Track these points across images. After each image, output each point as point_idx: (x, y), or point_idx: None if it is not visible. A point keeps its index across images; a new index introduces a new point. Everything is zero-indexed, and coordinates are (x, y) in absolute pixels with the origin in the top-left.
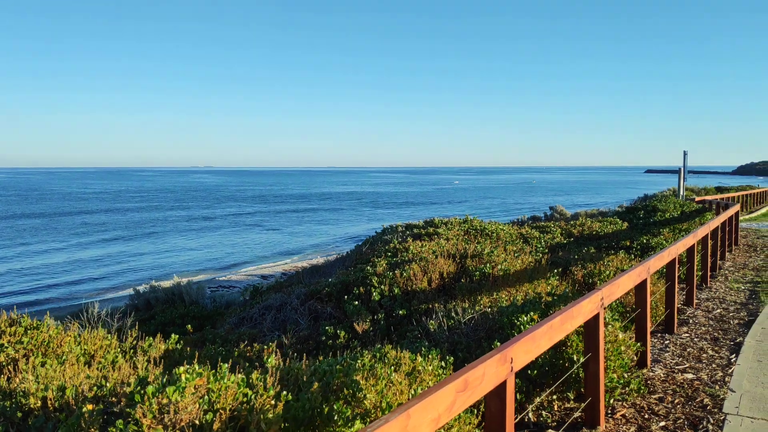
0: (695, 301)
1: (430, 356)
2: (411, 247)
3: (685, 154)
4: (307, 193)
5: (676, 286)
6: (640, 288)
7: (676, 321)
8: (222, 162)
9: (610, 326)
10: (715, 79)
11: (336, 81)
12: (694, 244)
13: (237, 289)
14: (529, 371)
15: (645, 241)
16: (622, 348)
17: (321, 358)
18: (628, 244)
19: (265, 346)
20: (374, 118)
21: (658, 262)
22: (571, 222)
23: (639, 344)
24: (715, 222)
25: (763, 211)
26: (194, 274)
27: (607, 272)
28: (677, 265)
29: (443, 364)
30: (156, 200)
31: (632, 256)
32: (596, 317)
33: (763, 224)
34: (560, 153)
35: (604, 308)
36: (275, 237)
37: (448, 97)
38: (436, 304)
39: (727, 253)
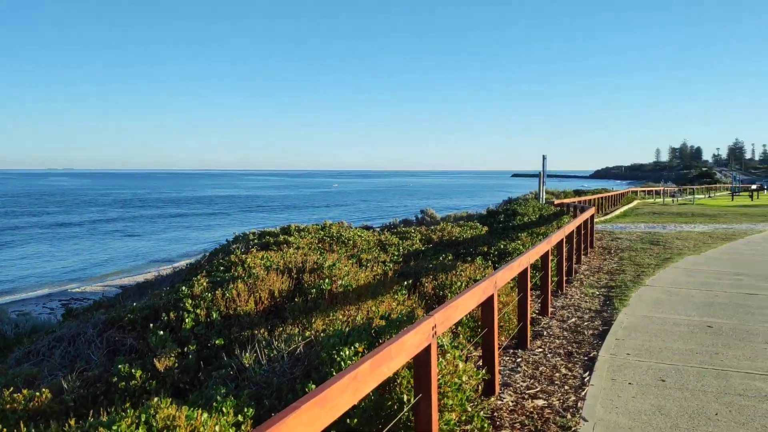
0: (550, 309)
1: (224, 409)
2: (248, 259)
3: (544, 158)
4: (179, 197)
5: (529, 297)
6: (486, 306)
7: (529, 335)
8: (84, 164)
9: (449, 354)
10: (576, 91)
11: (210, 80)
12: (548, 250)
13: (89, 301)
14: (348, 420)
15: (502, 246)
16: (464, 378)
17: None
18: (485, 249)
19: (37, 393)
20: (250, 119)
21: (507, 273)
22: (432, 227)
23: (485, 370)
24: (571, 226)
25: (618, 212)
26: (41, 286)
27: (459, 283)
28: (530, 274)
29: (240, 418)
30: (5, 206)
31: (489, 263)
32: (427, 350)
33: (618, 226)
34: (436, 157)
35: (439, 336)
36: (139, 244)
37: (326, 99)
38: (262, 331)
39: (583, 257)
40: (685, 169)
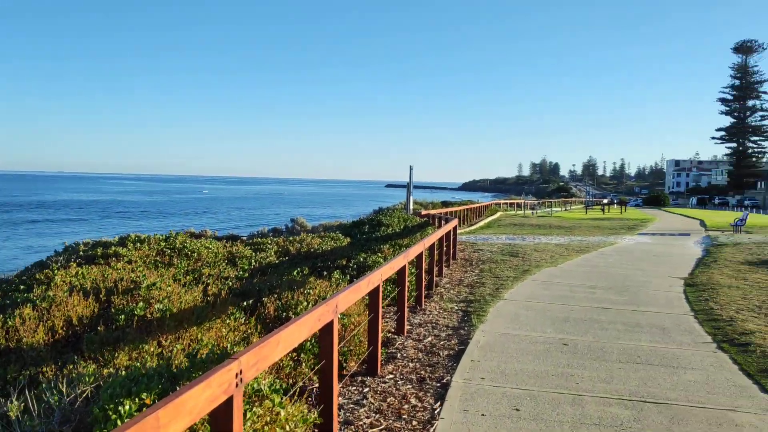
0: (407, 327)
1: None
2: (58, 277)
3: (411, 169)
4: (32, 201)
5: (381, 318)
6: (324, 334)
7: (380, 360)
8: None
9: (268, 401)
10: (446, 106)
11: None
12: (405, 265)
13: None
14: None
15: (362, 259)
16: (289, 428)
17: None
18: (344, 263)
19: None
20: (115, 118)
21: (352, 295)
22: (291, 238)
23: (319, 411)
24: (432, 238)
25: (482, 224)
26: None
27: (305, 304)
28: (382, 293)
29: None
30: None
31: (347, 277)
32: (227, 405)
33: (481, 237)
34: (312, 165)
35: (250, 382)
36: None
37: (197, 102)
38: (51, 368)
39: (445, 269)
40: (544, 183)
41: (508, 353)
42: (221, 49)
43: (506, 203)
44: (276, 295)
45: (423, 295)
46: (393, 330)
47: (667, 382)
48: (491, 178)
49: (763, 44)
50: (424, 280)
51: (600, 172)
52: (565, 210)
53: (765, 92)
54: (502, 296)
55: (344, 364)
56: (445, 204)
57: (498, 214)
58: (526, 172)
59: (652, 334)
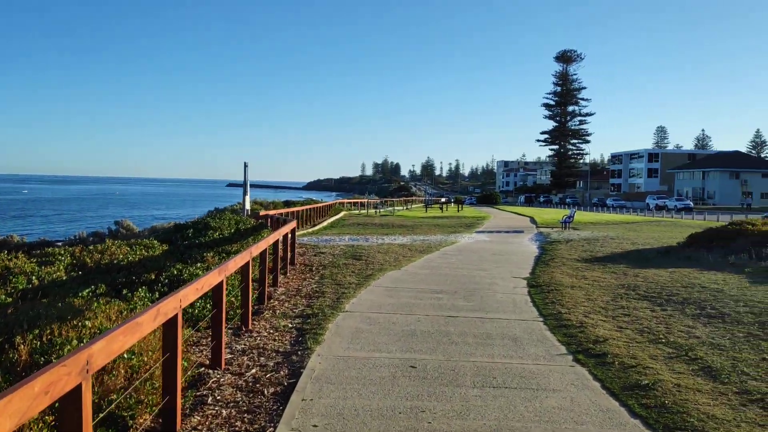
0: (226, 357)
1: None
2: None
3: (245, 166)
4: None
5: (179, 356)
6: (67, 405)
7: (179, 414)
8: None
9: None
10: (285, 105)
11: None
12: (222, 281)
13: None
14: None
15: (177, 271)
16: None
17: None
18: (153, 276)
19: None
20: None
21: (124, 338)
22: (91, 247)
23: None
24: (264, 244)
25: (326, 224)
26: None
27: (75, 343)
28: (181, 324)
29: None
30: None
31: (156, 294)
32: None
33: (324, 238)
34: (153, 164)
35: None
36: None
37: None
38: None
39: (281, 277)
40: (386, 182)
41: (348, 384)
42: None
43: (350, 202)
44: (38, 331)
45: (250, 313)
46: (207, 362)
47: (529, 411)
48: (336, 177)
49: (581, 54)
50: (251, 294)
51: (437, 172)
52: (407, 209)
53: (583, 99)
54: (343, 308)
55: (131, 422)
56: (287, 204)
57: (342, 214)
58: (369, 171)
59: (505, 347)
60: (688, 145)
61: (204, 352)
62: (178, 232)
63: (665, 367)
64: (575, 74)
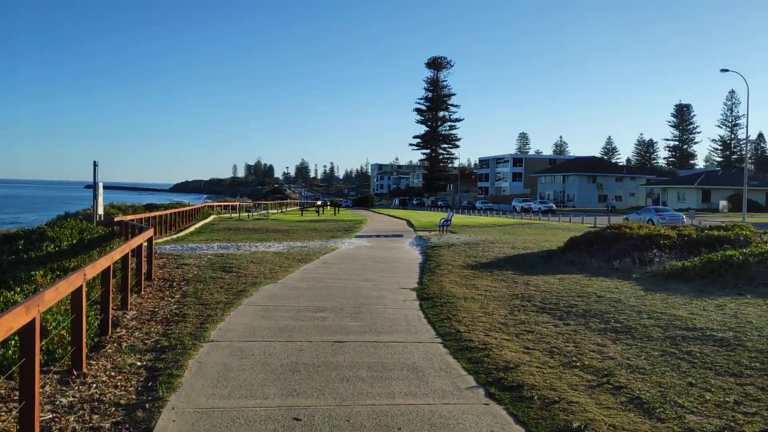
0: (45, 417)
1: None
2: None
3: (95, 165)
4: None
5: None
6: None
7: None
8: None
9: None
10: (146, 103)
11: None
12: (34, 319)
13: None
14: None
15: None
16: None
17: None
18: None
19: None
20: None
21: None
22: None
23: None
24: (103, 261)
25: (193, 229)
26: None
27: None
28: None
29: None
30: None
31: None
32: None
33: (189, 247)
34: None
35: None
36: None
37: None
38: None
39: (133, 297)
40: (260, 185)
41: None
42: None
43: (221, 205)
44: None
45: (84, 350)
46: None
47: None
48: (206, 179)
49: (451, 61)
50: (86, 326)
51: (312, 174)
52: (282, 212)
53: (453, 105)
54: (208, 335)
55: None
56: (149, 207)
57: (211, 218)
58: (242, 173)
59: (405, 381)
60: (548, 151)
61: (13, 413)
62: (6, 245)
63: (591, 401)
64: (445, 81)
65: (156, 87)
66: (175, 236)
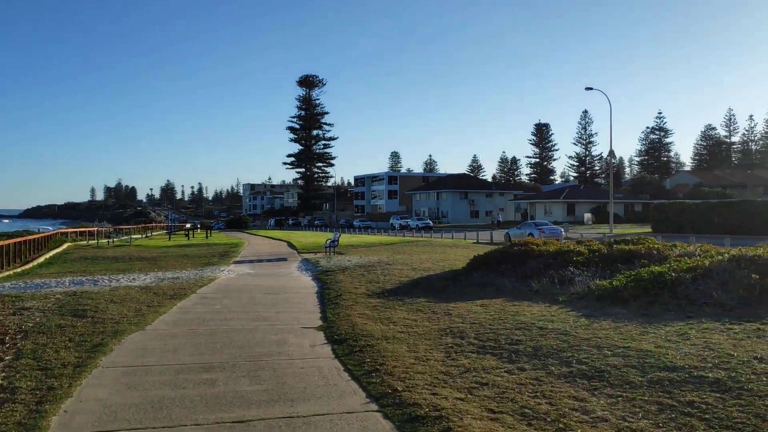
0: None
1: None
2: None
3: None
4: None
5: None
6: None
7: None
8: None
9: None
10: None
11: None
12: None
13: None
14: None
15: None
16: None
17: None
18: None
19: None
20: None
21: None
22: None
23: None
24: None
25: (42, 260)
26: None
27: None
28: None
29: None
30: None
31: None
32: None
33: (34, 283)
34: None
35: None
36: None
37: None
38: None
39: None
40: (121, 208)
41: None
42: None
43: (76, 232)
44: None
45: None
46: None
47: None
48: (60, 203)
49: (323, 80)
50: None
51: (179, 196)
52: (147, 237)
53: (327, 123)
54: (45, 425)
55: None
56: None
57: (65, 246)
58: (101, 196)
59: None
60: (419, 169)
61: None
62: None
63: None
64: (318, 99)
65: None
66: (19, 269)
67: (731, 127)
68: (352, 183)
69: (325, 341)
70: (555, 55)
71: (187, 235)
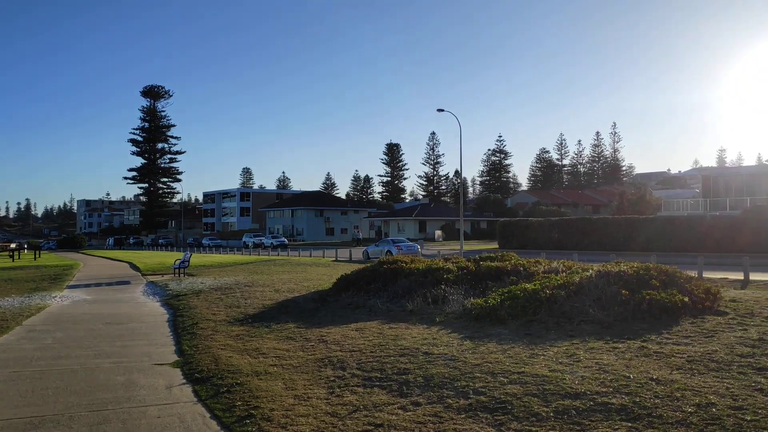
0: None
1: None
2: None
3: None
4: None
5: None
6: None
7: None
8: None
9: None
10: None
11: None
12: None
13: None
14: None
15: None
16: None
17: None
18: None
19: None
20: None
21: None
22: None
23: None
24: None
25: None
26: None
27: None
28: None
29: None
30: None
31: None
32: None
33: None
34: None
35: None
36: None
37: None
38: None
39: None
40: None
41: None
42: None
43: None
44: None
45: None
46: None
47: None
48: None
49: (170, 91)
50: None
51: (2, 213)
52: None
53: (173, 136)
54: None
55: None
56: None
57: None
58: None
59: None
60: (272, 186)
61: None
62: None
63: None
64: (164, 111)
65: None
66: None
67: (562, 151)
68: (201, 200)
69: (184, 381)
70: (405, 76)
71: (12, 256)
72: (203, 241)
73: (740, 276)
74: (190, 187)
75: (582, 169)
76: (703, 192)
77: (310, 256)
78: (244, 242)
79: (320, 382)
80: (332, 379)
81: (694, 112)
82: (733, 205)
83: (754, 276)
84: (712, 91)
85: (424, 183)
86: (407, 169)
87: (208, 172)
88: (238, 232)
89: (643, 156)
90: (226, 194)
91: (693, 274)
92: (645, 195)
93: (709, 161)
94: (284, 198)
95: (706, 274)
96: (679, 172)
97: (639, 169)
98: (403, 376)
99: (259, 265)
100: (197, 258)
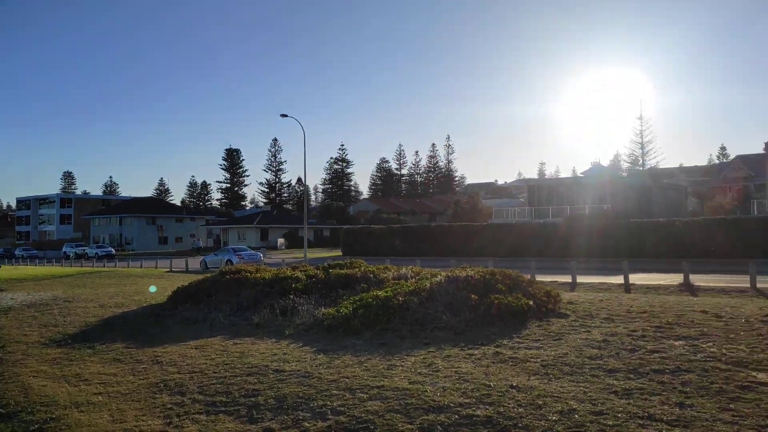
0: None
1: None
2: None
3: None
4: None
5: None
6: None
7: None
8: None
9: None
10: None
11: None
12: None
13: None
14: None
15: None
16: None
17: None
18: None
19: None
20: None
21: None
22: None
23: None
24: None
25: None
26: None
27: None
28: None
29: None
30: None
31: None
32: None
33: None
34: None
35: None
36: None
37: None
38: None
39: None
40: None
41: None
42: None
43: None
44: None
45: None
46: None
47: None
48: None
49: None
50: None
51: None
52: None
53: None
54: None
55: None
56: None
57: None
58: None
59: None
60: (98, 191)
61: None
62: None
63: None
64: None
65: None
66: None
67: (401, 161)
68: (14, 206)
69: None
70: (245, 77)
71: None
72: (16, 252)
73: (568, 279)
74: (3, 194)
75: (419, 179)
76: (529, 201)
77: (141, 266)
78: (65, 253)
79: (155, 411)
80: (169, 406)
81: (516, 127)
82: (555, 213)
83: (580, 278)
84: (534, 110)
85: (266, 190)
86: (248, 176)
87: (23, 176)
88: (58, 241)
89: (472, 167)
90: (43, 200)
91: (528, 277)
92: (477, 204)
93: (531, 173)
94: (112, 204)
95: (538, 278)
96: (506, 182)
97: (470, 180)
98: (253, 399)
99: (81, 278)
100: (7, 270)
